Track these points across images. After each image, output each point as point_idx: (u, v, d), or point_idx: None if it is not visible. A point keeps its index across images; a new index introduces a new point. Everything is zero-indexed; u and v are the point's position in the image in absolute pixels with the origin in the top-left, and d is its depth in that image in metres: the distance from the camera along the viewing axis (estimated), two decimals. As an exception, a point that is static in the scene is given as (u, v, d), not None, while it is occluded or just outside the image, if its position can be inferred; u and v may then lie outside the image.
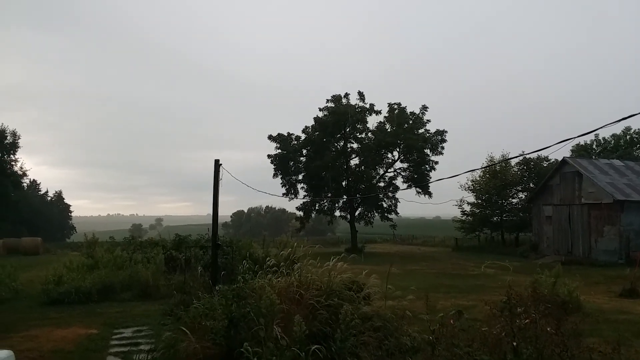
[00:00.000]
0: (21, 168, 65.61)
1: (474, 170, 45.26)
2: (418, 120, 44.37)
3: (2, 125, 62.37)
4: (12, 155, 62.93)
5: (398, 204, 45.10)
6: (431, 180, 43.32)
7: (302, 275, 9.87)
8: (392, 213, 45.07)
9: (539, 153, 40.13)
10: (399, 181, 46.20)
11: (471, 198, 45.33)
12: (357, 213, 45.76)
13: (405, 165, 45.66)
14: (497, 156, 45.54)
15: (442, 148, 44.10)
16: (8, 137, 62.31)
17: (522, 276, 15.64)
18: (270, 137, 45.40)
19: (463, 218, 45.99)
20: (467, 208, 45.64)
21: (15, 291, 17.83)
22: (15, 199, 60.89)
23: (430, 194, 43.56)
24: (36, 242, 44.12)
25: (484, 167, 43.22)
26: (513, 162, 44.80)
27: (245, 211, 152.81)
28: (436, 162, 44.51)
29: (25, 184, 70.49)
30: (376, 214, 45.59)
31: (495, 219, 44.22)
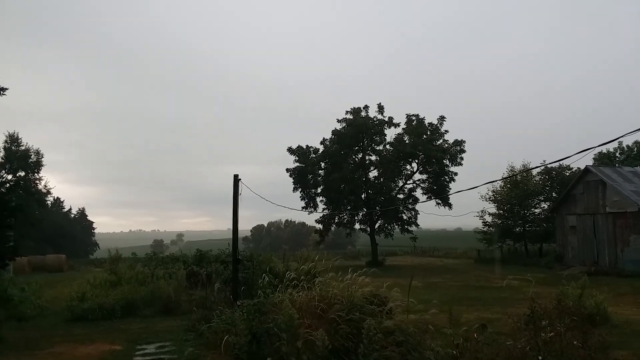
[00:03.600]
0: (45, 186, 66.77)
1: (495, 181, 44.77)
2: (436, 131, 44.18)
3: (26, 145, 63.76)
4: (36, 174, 64.16)
5: (418, 215, 44.78)
6: (451, 192, 42.96)
7: (323, 290, 9.85)
8: (412, 225, 44.70)
9: (561, 162, 39.57)
10: (418, 193, 45.91)
11: (492, 209, 44.78)
12: (376, 225, 45.49)
13: (424, 176, 45.40)
14: (518, 166, 44.98)
15: (461, 159, 43.78)
16: (32, 156, 63.53)
17: (547, 288, 15.38)
18: (289, 150, 45.55)
19: (485, 229, 45.37)
20: (489, 219, 45.06)
21: (40, 308, 18.08)
22: (40, 217, 61.91)
23: (450, 206, 43.18)
24: (60, 259, 44.79)
25: (505, 178, 42.72)
26: (534, 171, 44.24)
27: (265, 225, 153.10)
28: (455, 173, 44.18)
29: (49, 202, 71.70)
30: (396, 226, 45.26)
31: (517, 229, 43.54)
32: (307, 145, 45.86)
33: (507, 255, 44.14)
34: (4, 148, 61.59)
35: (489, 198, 44.47)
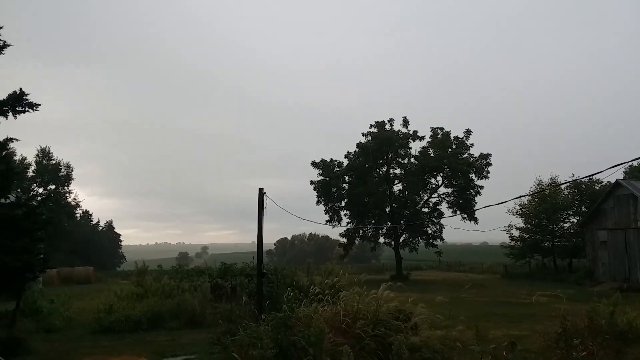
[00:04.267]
0: (74, 199, 68.50)
1: (524, 196, 43.88)
2: (462, 144, 43.77)
3: (57, 159, 65.47)
4: (66, 187, 65.77)
5: (443, 229, 44.27)
6: (477, 206, 42.34)
7: (348, 304, 9.79)
8: (437, 239, 44.22)
9: (591, 177, 38.77)
10: (443, 207, 45.43)
11: (520, 223, 43.99)
12: (401, 239, 45.11)
13: (449, 190, 44.94)
14: (546, 179, 44.20)
15: (488, 172, 43.23)
16: (62, 170, 65.27)
17: (577, 304, 14.99)
18: (313, 164, 45.65)
19: (512, 244, 44.56)
20: (516, 233, 44.25)
21: (69, 320, 18.34)
22: (69, 229, 63.22)
23: (476, 220, 42.56)
24: (88, 271, 45.49)
25: (534, 194, 41.95)
26: (563, 184, 43.37)
27: (289, 238, 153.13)
28: (481, 187, 43.61)
29: (78, 215, 73.25)
30: (421, 240, 44.83)
31: (546, 244, 42.64)
32: (331, 159, 45.96)
33: (535, 271, 43.25)
34: (36, 162, 63.51)
35: (516, 212, 43.75)
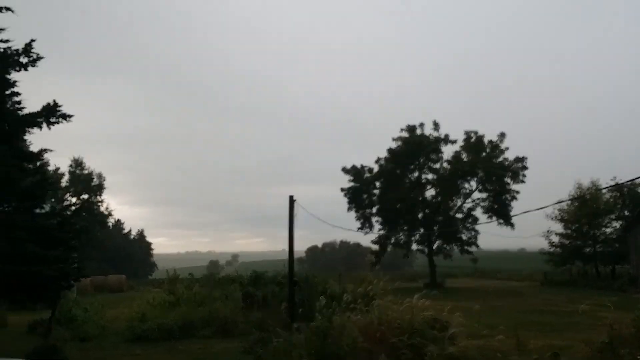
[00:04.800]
0: (107, 208, 69.96)
1: (563, 201, 42.48)
2: (496, 148, 42.78)
3: (89, 169, 67.02)
4: (98, 197, 67.21)
5: (478, 235, 43.26)
6: (514, 211, 41.32)
7: (382, 313, 9.47)
8: (472, 246, 43.24)
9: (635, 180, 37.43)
10: (478, 212, 44.42)
11: (559, 228, 42.65)
12: (434, 246, 44.29)
13: (484, 195, 43.93)
14: (586, 183, 42.70)
15: (524, 176, 42.09)
16: (94, 180, 66.77)
17: (621, 312, 14.25)
18: (344, 170, 45.36)
19: (551, 250, 43.21)
20: (556, 239, 42.89)
21: (102, 328, 18.47)
22: (102, 238, 64.46)
23: (512, 226, 41.41)
24: (121, 280, 46.21)
25: (574, 198, 40.64)
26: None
27: (320, 246, 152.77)
28: (517, 192, 42.48)
29: (110, 224, 74.74)
30: (455, 247, 43.91)
31: (587, 250, 41.19)
32: (361, 165, 45.60)
33: (576, 278, 41.78)
34: (69, 172, 65.15)
35: (555, 217, 42.45)
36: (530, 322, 19.39)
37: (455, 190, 43.60)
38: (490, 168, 41.03)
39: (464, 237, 43.39)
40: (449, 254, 44.28)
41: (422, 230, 44.26)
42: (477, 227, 43.32)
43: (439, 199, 43.71)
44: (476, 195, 44.17)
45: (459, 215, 44.62)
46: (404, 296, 10.60)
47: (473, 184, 43.75)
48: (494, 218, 42.32)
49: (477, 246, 43.72)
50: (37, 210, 16.51)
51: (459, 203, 44.60)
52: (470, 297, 29.13)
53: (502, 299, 30.70)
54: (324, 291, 17.61)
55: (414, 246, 46.58)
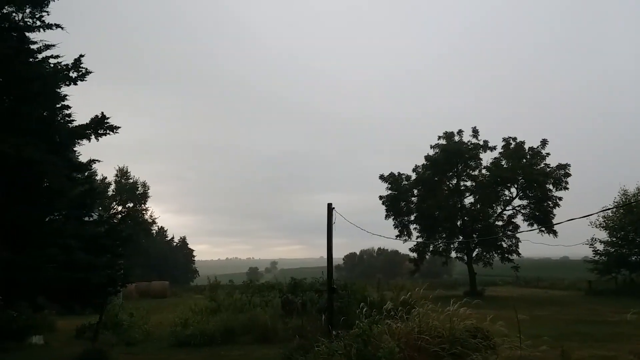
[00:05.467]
0: (151, 216, 71.92)
1: (609, 209, 41.06)
2: (537, 154, 41.83)
3: (134, 178, 68.99)
4: (142, 205, 69.12)
5: (519, 243, 42.28)
6: (556, 219, 40.20)
7: (422, 321, 9.45)
8: (513, 254, 42.30)
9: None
10: (518, 219, 43.43)
11: (604, 235, 41.25)
12: (474, 254, 43.55)
13: (524, 202, 42.95)
14: (632, 189, 41.21)
15: (566, 183, 40.95)
16: (139, 188, 68.67)
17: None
18: (381, 177, 45.25)
19: (596, 258, 41.84)
20: (600, 247, 41.52)
21: (147, 333, 18.99)
22: (146, 245, 66.17)
23: (555, 233, 40.30)
24: (164, 286, 47.27)
25: (620, 206, 39.29)
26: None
27: (358, 253, 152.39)
28: (560, 198, 41.37)
29: (154, 231, 76.61)
30: (495, 255, 43.04)
31: (633, 258, 39.70)
32: (399, 172, 45.39)
33: (621, 287, 40.30)
34: (115, 181, 67.20)
35: (600, 224, 41.13)
36: (574, 332, 18.91)
37: (495, 198, 42.83)
38: (531, 175, 40.13)
39: (505, 244, 42.51)
40: (489, 262, 43.45)
41: (461, 237, 43.61)
42: (518, 234, 42.39)
43: (478, 206, 42.99)
44: (516, 202, 43.26)
45: (499, 223, 43.76)
46: (443, 304, 10.54)
47: (513, 190, 42.87)
48: (536, 225, 41.32)
49: (518, 254, 42.71)
50: (86, 219, 17.17)
51: (499, 210, 43.79)
52: (511, 305, 28.52)
53: (545, 308, 29.97)
54: (363, 298, 17.65)
55: (453, 254, 45.96)
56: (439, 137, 44.24)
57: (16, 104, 14.48)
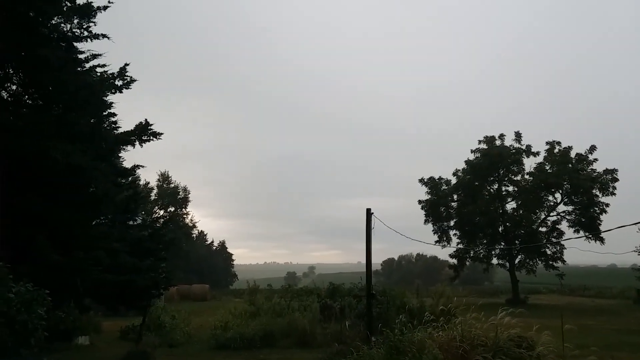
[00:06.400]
0: (191, 220, 73.36)
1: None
2: (582, 159, 40.49)
3: (175, 182, 70.53)
4: (183, 209, 70.60)
5: (564, 250, 40.94)
6: (602, 225, 38.75)
7: (464, 330, 9.26)
8: (558, 261, 41.00)
9: None
10: (563, 226, 42.08)
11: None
12: (517, 261, 42.44)
13: (570, 208, 41.60)
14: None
15: (614, 188, 39.45)
16: (180, 193, 70.18)
17: None
18: (421, 181, 44.70)
19: (646, 266, 40.11)
20: (650, 254, 39.77)
21: (188, 335, 19.29)
22: (186, 249, 67.49)
23: (602, 240, 38.87)
24: (204, 289, 48.01)
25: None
26: None
27: (396, 259, 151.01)
28: (607, 204, 39.87)
29: (194, 235, 78.02)
30: (539, 262, 41.83)
31: (686, 266, 37.96)
32: (439, 177, 44.77)
33: (674, 296, 38.57)
34: (157, 186, 68.91)
35: (649, 230, 39.43)
36: (623, 343, 18.23)
37: (539, 203, 41.66)
38: (576, 180, 38.85)
39: (549, 251, 41.27)
40: (533, 270, 42.25)
41: (502, 244, 42.60)
42: (563, 241, 41.08)
43: (521, 212, 41.92)
44: (561, 208, 41.93)
45: (543, 229, 42.55)
46: (485, 312, 10.31)
47: (558, 196, 41.60)
48: (582, 232, 39.97)
49: (563, 261, 41.39)
50: (130, 223, 17.67)
51: (543, 216, 42.57)
52: (557, 314, 27.56)
53: (592, 317, 28.93)
54: (402, 305, 17.44)
55: (495, 260, 44.86)
56: (480, 142, 43.47)
57: (65, 112, 15.05)
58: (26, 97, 15.74)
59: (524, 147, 42.11)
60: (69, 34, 15.53)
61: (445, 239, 44.62)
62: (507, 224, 42.20)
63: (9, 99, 15.33)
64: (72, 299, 15.82)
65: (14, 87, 15.48)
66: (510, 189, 43.38)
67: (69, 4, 15.04)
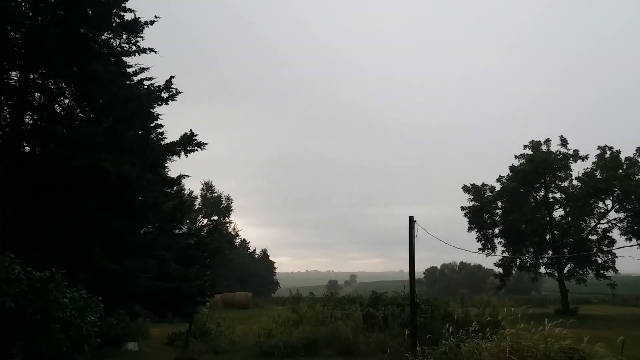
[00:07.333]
0: (234, 229, 74.50)
1: None
2: (634, 164, 38.90)
3: (218, 192, 71.82)
4: (226, 218, 71.77)
5: (616, 259, 39.31)
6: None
7: (513, 341, 9.03)
8: (609, 270, 39.40)
9: None
10: (615, 233, 40.43)
11: None
12: (565, 270, 41.04)
13: (621, 215, 39.96)
14: None
15: (668, 195, 37.65)
16: (223, 202, 71.38)
17: None
18: (464, 188, 43.91)
19: None
20: None
21: (233, 342, 19.54)
22: (230, 257, 68.49)
23: (658, 248, 37.17)
24: (247, 297, 48.54)
25: None
26: None
27: (439, 267, 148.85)
28: (662, 211, 38.06)
29: (237, 243, 79.12)
30: (589, 271, 40.31)
31: None
32: (482, 183, 43.86)
33: None
34: (201, 195, 70.30)
35: None
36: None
37: (588, 210, 40.22)
38: (628, 186, 37.32)
39: (600, 260, 39.73)
40: (583, 279, 40.76)
41: (550, 252, 41.30)
42: (615, 250, 39.46)
43: (569, 219, 40.58)
44: (612, 215, 40.33)
45: (593, 237, 41.02)
46: (534, 323, 10.04)
47: (608, 203, 40.08)
48: (634, 240, 38.32)
49: (615, 270, 39.76)
50: (177, 231, 18.10)
51: (593, 224, 41.07)
52: (609, 326, 26.64)
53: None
54: (447, 314, 17.19)
55: (542, 269, 43.51)
56: (524, 147, 42.43)
57: (115, 125, 15.61)
58: (78, 110, 16.40)
59: (571, 152, 40.86)
60: (118, 48, 16.15)
61: (489, 247, 43.64)
62: (555, 231, 40.94)
63: (62, 112, 16.02)
64: (123, 305, 16.28)
65: (66, 101, 16.17)
66: (558, 195, 42.09)
67: (118, 20, 15.66)
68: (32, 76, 15.07)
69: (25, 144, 15.20)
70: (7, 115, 14.96)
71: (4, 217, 12.26)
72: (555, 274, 41.48)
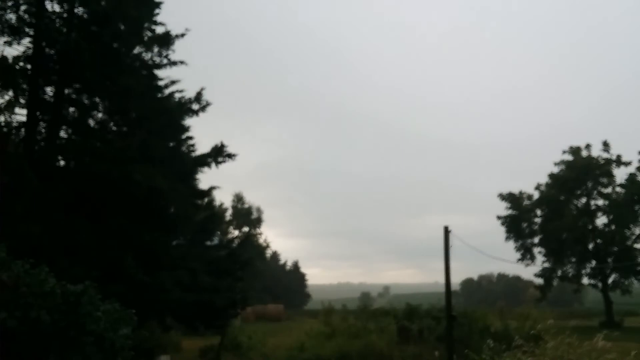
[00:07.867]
0: (265, 240, 74.63)
1: None
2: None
3: (248, 203, 72.18)
4: (257, 229, 71.98)
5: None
6: None
7: (556, 355, 8.55)
8: (657, 280, 37.76)
9: None
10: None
11: None
12: (610, 280, 39.48)
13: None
14: None
15: None
16: (254, 213, 71.69)
17: None
18: (500, 196, 42.83)
19: None
20: None
21: (265, 355, 19.35)
22: (260, 269, 68.52)
23: None
24: (279, 309, 48.31)
25: None
26: None
27: (475, 279, 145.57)
28: None
29: (268, 255, 79.20)
30: (635, 281, 38.68)
31: None
32: (520, 191, 42.70)
33: None
34: (232, 206, 70.75)
35: None
36: None
37: (633, 218, 38.64)
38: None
39: (646, 270, 38.09)
40: (628, 290, 39.12)
41: (593, 262, 39.80)
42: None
43: (613, 227, 39.05)
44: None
45: (638, 246, 39.36)
46: (577, 336, 9.52)
47: (655, 209, 38.44)
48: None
49: (663, 280, 38.09)
50: (208, 243, 18.08)
51: (638, 232, 39.42)
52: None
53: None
54: (485, 328, 16.62)
55: (585, 280, 41.98)
56: (564, 153, 41.15)
57: (147, 137, 15.74)
58: (111, 123, 16.65)
59: (613, 157, 39.41)
60: (150, 62, 16.35)
61: (528, 257, 42.41)
62: (598, 240, 39.48)
63: (96, 126, 16.27)
64: (155, 317, 16.29)
65: (100, 115, 16.43)
66: (600, 202, 40.63)
67: (149, 34, 15.87)
68: (66, 91, 15.36)
69: (60, 157, 15.46)
70: (43, 130, 15.27)
71: (39, 231, 12.41)
72: (599, 284, 39.96)
